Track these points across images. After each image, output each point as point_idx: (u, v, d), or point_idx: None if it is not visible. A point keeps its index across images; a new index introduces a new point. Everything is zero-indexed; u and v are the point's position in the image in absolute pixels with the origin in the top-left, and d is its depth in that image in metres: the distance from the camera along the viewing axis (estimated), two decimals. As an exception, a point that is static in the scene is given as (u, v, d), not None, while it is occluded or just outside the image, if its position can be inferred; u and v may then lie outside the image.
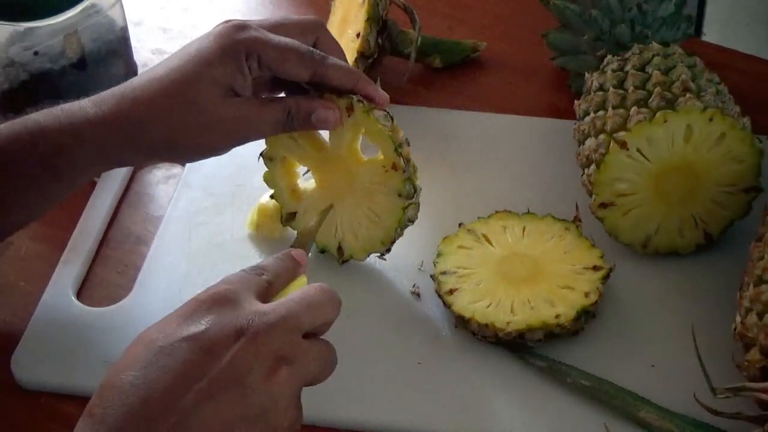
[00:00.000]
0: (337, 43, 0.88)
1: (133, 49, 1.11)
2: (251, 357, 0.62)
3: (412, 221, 0.88)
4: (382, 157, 0.85)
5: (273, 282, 0.69)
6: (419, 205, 0.87)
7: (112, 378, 0.62)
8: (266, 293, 0.68)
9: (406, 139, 0.86)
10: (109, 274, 0.93)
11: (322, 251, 0.90)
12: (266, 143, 0.88)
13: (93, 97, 0.82)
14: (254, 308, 0.64)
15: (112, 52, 1.07)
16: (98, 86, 1.06)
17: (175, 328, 0.63)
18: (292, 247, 0.74)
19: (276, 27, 0.85)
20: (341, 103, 0.84)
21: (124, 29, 1.08)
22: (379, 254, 0.89)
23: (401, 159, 0.84)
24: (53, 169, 0.81)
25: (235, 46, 0.81)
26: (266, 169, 0.89)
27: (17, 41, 1.01)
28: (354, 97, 0.84)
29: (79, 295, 0.91)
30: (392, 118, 0.85)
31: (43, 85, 1.03)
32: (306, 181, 0.90)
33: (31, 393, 0.84)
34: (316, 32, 0.86)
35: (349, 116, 0.84)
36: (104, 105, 0.82)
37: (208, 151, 0.84)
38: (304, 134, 0.86)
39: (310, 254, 0.77)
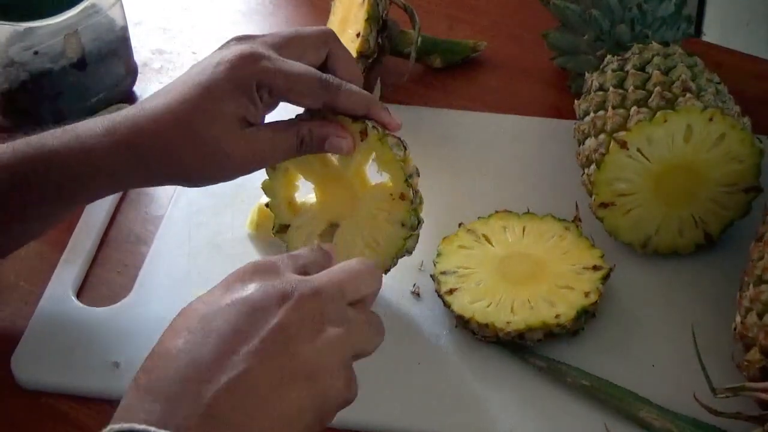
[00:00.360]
0: (349, 53, 0.86)
1: (133, 49, 1.11)
2: (298, 319, 0.62)
3: (409, 252, 0.86)
4: (390, 184, 0.84)
5: (308, 268, 0.68)
6: (419, 237, 0.86)
7: (157, 348, 0.62)
8: (303, 274, 0.67)
9: (417, 169, 0.85)
10: (109, 274, 0.93)
11: None
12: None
13: (106, 123, 0.81)
14: (293, 280, 0.64)
15: (112, 52, 1.07)
16: (98, 86, 1.07)
17: (219, 296, 0.63)
18: None
19: (288, 41, 0.83)
20: (355, 127, 0.83)
21: (124, 29, 1.08)
22: None
23: (410, 190, 0.84)
24: (64, 192, 0.82)
25: (246, 79, 0.79)
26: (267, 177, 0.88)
27: (17, 41, 1.01)
28: (369, 122, 0.83)
29: (79, 295, 0.91)
30: (405, 147, 0.84)
31: (43, 84, 1.03)
32: (304, 196, 0.89)
33: (31, 393, 0.84)
34: (328, 45, 0.84)
35: (362, 140, 0.83)
36: (117, 134, 0.80)
37: (221, 180, 0.83)
38: None
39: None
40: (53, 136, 0.81)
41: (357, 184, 0.85)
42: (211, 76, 0.80)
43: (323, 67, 0.84)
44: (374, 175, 0.85)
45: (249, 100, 0.79)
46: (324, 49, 0.84)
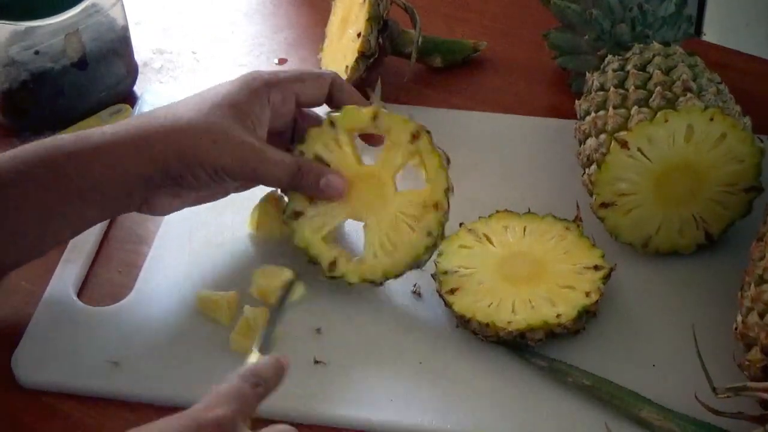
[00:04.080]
0: (354, 90, 0.90)
1: (134, 49, 1.11)
2: None
3: (421, 266, 0.86)
4: (423, 192, 0.85)
5: (264, 393, 0.71)
6: (432, 255, 0.87)
7: None
8: (256, 404, 0.70)
9: (453, 186, 0.86)
10: (110, 273, 0.93)
11: (312, 262, 0.88)
12: (306, 138, 0.87)
13: (113, 124, 0.85)
14: None
15: (113, 52, 1.07)
16: (99, 86, 1.07)
17: None
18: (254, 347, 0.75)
19: (297, 73, 0.89)
20: (408, 126, 0.85)
21: (125, 29, 1.08)
22: (372, 282, 0.87)
23: (446, 201, 0.85)
24: (71, 189, 0.82)
25: (256, 80, 0.85)
26: None
27: (18, 41, 1.01)
28: (423, 126, 0.85)
29: (80, 294, 0.91)
30: (449, 161, 0.86)
31: (43, 84, 1.03)
32: None
33: (32, 392, 0.84)
34: (328, 81, 0.88)
35: (411, 142, 0.85)
36: (122, 125, 0.84)
37: (218, 173, 0.83)
38: (349, 141, 0.86)
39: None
40: (64, 136, 0.83)
41: (388, 186, 0.86)
42: (222, 84, 0.85)
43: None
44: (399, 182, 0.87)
45: (256, 97, 0.84)
46: (324, 84, 0.88)
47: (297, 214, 0.88)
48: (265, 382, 0.71)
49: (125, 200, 0.84)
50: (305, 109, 0.90)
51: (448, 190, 0.85)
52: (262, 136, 0.85)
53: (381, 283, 0.87)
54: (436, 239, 0.85)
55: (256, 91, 0.85)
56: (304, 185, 0.86)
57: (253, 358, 0.77)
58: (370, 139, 0.89)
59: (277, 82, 0.86)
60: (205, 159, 0.82)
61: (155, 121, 0.83)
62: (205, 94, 0.85)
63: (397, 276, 0.86)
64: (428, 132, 0.86)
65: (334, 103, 0.89)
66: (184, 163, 0.82)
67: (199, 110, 0.83)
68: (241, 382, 0.70)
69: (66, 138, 0.83)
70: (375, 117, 0.86)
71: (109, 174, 0.83)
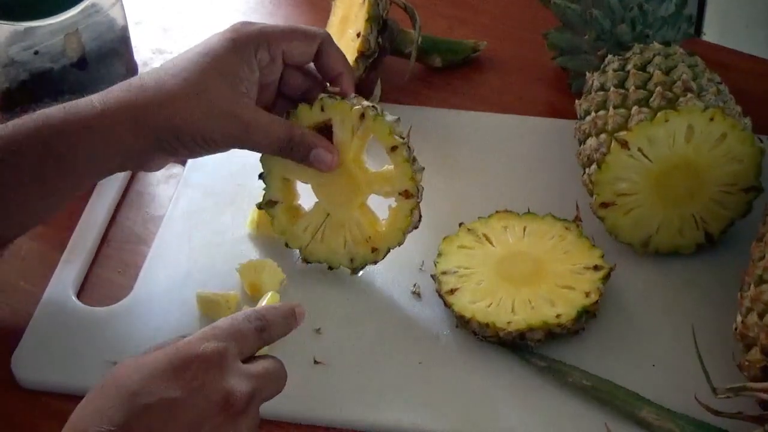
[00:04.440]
0: (341, 53, 0.88)
1: (134, 49, 1.11)
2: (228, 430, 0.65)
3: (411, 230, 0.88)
4: (391, 173, 0.85)
5: (268, 338, 0.71)
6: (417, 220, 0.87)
7: (82, 423, 0.64)
8: (256, 346, 0.70)
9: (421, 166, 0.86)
10: (109, 273, 0.93)
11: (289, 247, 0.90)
12: (262, 164, 0.88)
13: (100, 93, 0.84)
14: (235, 382, 0.66)
15: (113, 52, 1.07)
16: (99, 85, 1.06)
17: (160, 385, 0.65)
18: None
19: (286, 29, 0.87)
20: (354, 112, 0.84)
21: (125, 29, 1.08)
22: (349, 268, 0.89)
23: (415, 186, 0.85)
24: (65, 164, 0.81)
25: (243, 38, 0.84)
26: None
27: (17, 41, 1.01)
28: (368, 105, 0.84)
29: (80, 294, 0.91)
30: (408, 145, 0.85)
31: (43, 84, 1.03)
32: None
33: (32, 392, 0.84)
34: (317, 40, 0.87)
35: (360, 122, 0.84)
36: (110, 96, 0.83)
37: (209, 144, 0.83)
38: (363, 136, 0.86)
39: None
40: (50, 110, 0.82)
41: (357, 172, 0.86)
42: (209, 40, 0.84)
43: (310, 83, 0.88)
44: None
45: (244, 59, 0.83)
46: (313, 43, 0.86)
47: (272, 203, 0.89)
48: (270, 327, 0.71)
49: (119, 168, 0.85)
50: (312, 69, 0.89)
51: (413, 171, 0.85)
52: (253, 97, 0.84)
53: (354, 271, 0.89)
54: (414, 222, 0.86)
55: (243, 52, 0.83)
56: (294, 155, 0.85)
57: (267, 300, 0.77)
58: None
59: (265, 39, 0.84)
60: (197, 132, 0.82)
61: (144, 94, 0.82)
62: (193, 58, 0.83)
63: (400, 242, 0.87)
64: (375, 107, 0.85)
65: (321, 63, 0.87)
66: (175, 136, 0.82)
67: (188, 80, 0.82)
68: (244, 321, 0.70)
69: (54, 114, 0.82)
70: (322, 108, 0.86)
71: (101, 150, 0.82)
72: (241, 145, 0.84)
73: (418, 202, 0.86)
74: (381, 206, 0.88)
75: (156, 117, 0.81)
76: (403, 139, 0.84)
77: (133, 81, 0.83)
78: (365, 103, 0.85)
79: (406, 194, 0.85)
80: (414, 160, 0.85)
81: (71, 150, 0.81)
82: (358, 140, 0.85)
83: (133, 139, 0.82)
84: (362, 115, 0.84)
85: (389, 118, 0.85)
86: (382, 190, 0.86)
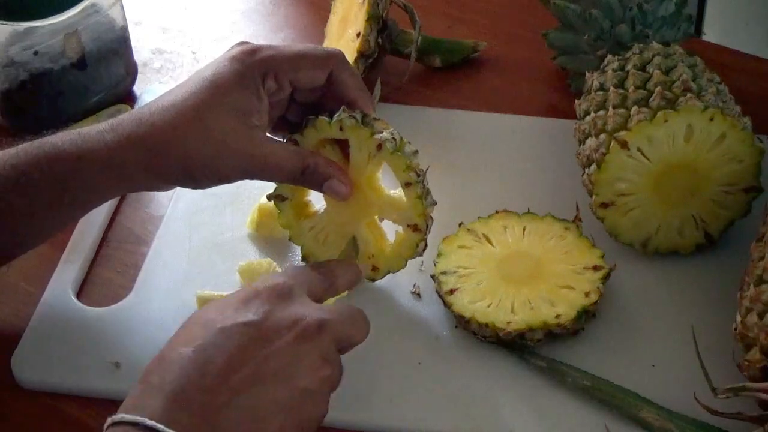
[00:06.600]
0: (356, 75, 0.86)
1: (133, 49, 1.11)
2: (300, 353, 0.69)
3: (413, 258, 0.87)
4: (403, 202, 0.85)
5: (335, 289, 0.80)
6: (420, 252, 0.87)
7: (169, 351, 0.68)
8: (322, 295, 0.78)
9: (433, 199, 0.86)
10: (109, 273, 0.93)
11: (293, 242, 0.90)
12: (305, 131, 0.85)
13: (111, 122, 0.82)
14: (305, 309, 0.72)
15: (113, 52, 1.07)
16: (98, 86, 1.07)
17: (234, 313, 0.70)
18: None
19: (294, 57, 0.84)
20: (372, 142, 0.82)
21: (124, 29, 1.08)
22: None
23: (424, 222, 0.85)
24: (70, 192, 0.82)
25: (250, 69, 0.82)
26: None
27: (17, 41, 1.01)
28: (385, 136, 0.83)
29: (80, 295, 0.91)
30: (419, 174, 0.84)
31: (43, 84, 1.03)
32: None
33: (31, 393, 0.84)
34: (329, 65, 0.84)
35: (378, 152, 0.83)
36: (121, 130, 0.81)
37: (222, 180, 0.83)
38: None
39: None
40: (58, 137, 0.82)
41: (369, 192, 0.86)
42: (216, 70, 0.82)
43: (325, 89, 0.85)
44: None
45: (253, 91, 0.81)
46: (324, 69, 0.84)
47: (281, 198, 0.88)
48: (335, 277, 0.79)
49: (127, 192, 0.89)
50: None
51: (425, 208, 0.84)
52: (264, 125, 0.83)
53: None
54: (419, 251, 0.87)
55: (251, 84, 0.81)
56: (307, 185, 0.85)
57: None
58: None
59: (273, 68, 0.82)
60: (208, 169, 0.81)
61: (154, 132, 0.80)
62: (201, 94, 0.81)
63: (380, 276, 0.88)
64: (393, 141, 0.83)
65: (333, 89, 0.85)
66: (187, 174, 0.82)
67: (197, 118, 0.80)
68: (312, 269, 0.79)
69: (67, 150, 0.81)
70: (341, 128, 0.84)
71: (114, 184, 0.83)
72: (253, 178, 0.84)
73: (426, 237, 0.86)
74: (389, 222, 0.88)
75: (167, 158, 0.81)
76: (419, 175, 0.84)
77: (143, 115, 0.81)
78: (385, 134, 0.83)
79: (414, 227, 0.85)
80: (428, 193, 0.85)
81: (84, 184, 0.82)
82: (373, 166, 0.84)
83: (144, 175, 0.82)
84: (379, 146, 0.83)
85: (408, 149, 0.84)
86: (391, 217, 0.86)
